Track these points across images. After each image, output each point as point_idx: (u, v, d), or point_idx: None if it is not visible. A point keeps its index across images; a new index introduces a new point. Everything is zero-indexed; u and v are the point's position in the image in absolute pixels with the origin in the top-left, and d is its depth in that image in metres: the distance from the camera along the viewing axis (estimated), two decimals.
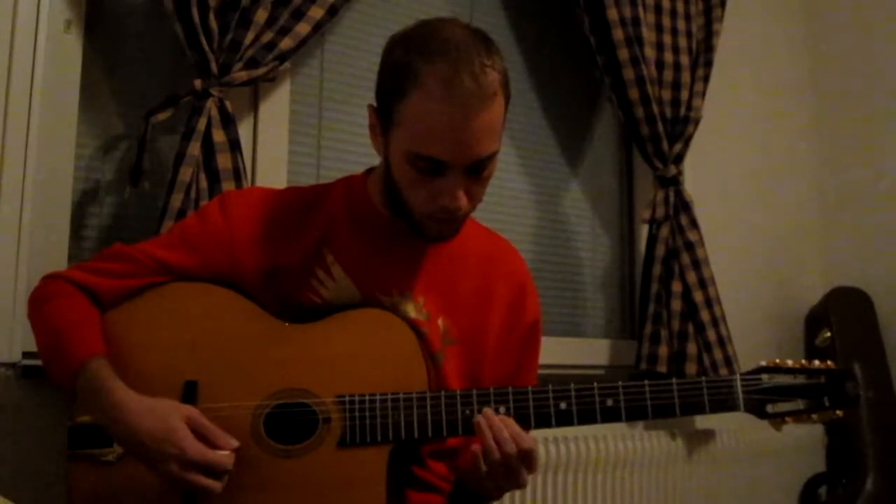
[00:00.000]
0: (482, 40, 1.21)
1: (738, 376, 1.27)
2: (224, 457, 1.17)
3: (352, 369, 1.26)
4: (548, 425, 1.24)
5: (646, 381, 1.25)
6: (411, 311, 1.33)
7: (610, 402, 1.23)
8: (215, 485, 1.16)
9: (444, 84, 1.15)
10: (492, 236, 1.48)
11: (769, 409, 1.26)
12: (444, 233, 1.31)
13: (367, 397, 1.23)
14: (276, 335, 1.28)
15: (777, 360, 1.29)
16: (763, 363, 1.29)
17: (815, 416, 1.27)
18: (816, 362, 1.29)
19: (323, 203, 1.37)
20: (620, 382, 1.25)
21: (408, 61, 1.19)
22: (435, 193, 1.22)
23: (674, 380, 1.25)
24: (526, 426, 1.23)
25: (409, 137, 1.20)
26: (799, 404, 1.27)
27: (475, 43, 1.20)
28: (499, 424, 1.19)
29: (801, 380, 1.27)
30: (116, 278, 1.31)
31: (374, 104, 1.28)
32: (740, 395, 1.26)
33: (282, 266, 1.33)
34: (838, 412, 1.27)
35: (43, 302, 1.31)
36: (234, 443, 1.19)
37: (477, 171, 1.23)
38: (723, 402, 1.26)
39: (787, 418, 1.27)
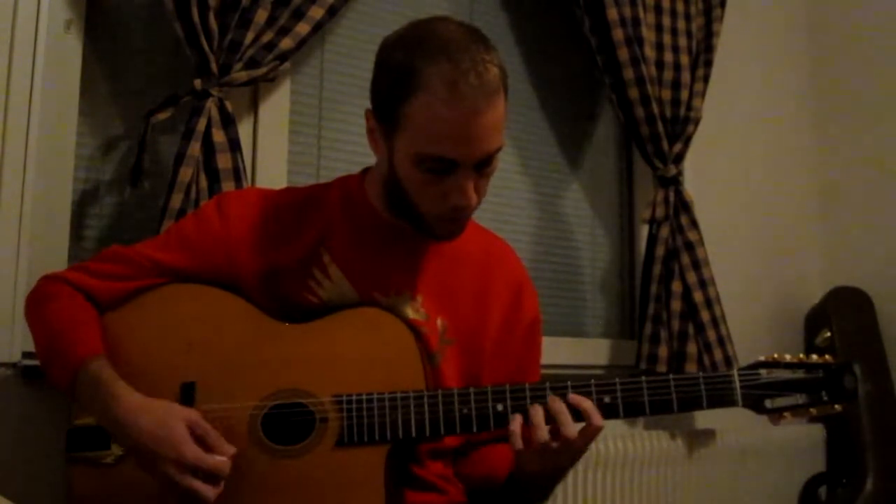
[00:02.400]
0: (479, 37, 1.22)
1: (735, 371, 1.27)
2: (221, 462, 1.16)
3: (349, 369, 1.26)
4: (546, 422, 1.24)
5: (643, 377, 1.25)
6: (409, 310, 1.33)
7: (607, 399, 1.23)
8: (209, 491, 1.15)
9: (450, 84, 1.16)
10: (489, 236, 1.48)
11: (767, 404, 1.26)
12: (455, 231, 1.31)
13: (364, 397, 1.23)
14: (273, 336, 1.28)
15: (775, 355, 1.28)
16: (761, 358, 1.29)
17: (813, 411, 1.26)
18: (815, 357, 1.29)
19: (320, 203, 1.37)
20: (618, 378, 1.25)
21: (409, 64, 1.19)
22: (445, 193, 1.23)
23: (671, 375, 1.25)
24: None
25: (416, 140, 1.20)
26: (797, 399, 1.26)
27: (474, 40, 1.20)
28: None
29: (799, 374, 1.27)
30: (113, 280, 1.31)
31: (371, 109, 1.28)
32: (738, 390, 1.26)
33: (279, 266, 1.33)
34: (837, 406, 1.26)
35: (41, 303, 1.31)
36: (232, 449, 1.18)
37: (484, 166, 1.23)
38: (721, 398, 1.26)
39: (785, 413, 1.26)
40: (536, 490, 1.33)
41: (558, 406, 1.21)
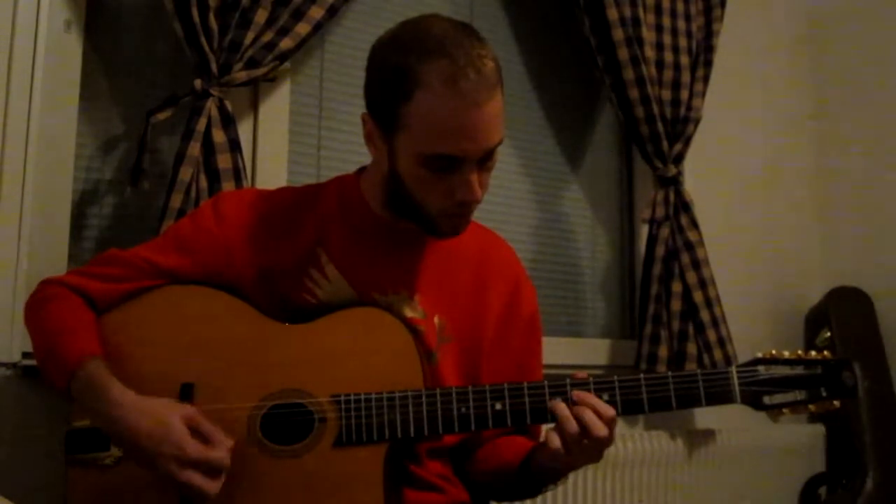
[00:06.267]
0: (471, 31, 1.22)
1: (734, 368, 1.26)
2: (221, 456, 1.17)
3: (347, 368, 1.26)
4: (544, 421, 1.24)
5: (641, 375, 1.25)
6: (407, 309, 1.33)
7: (606, 397, 1.23)
8: (211, 485, 1.15)
9: (449, 81, 1.16)
10: (485, 233, 1.48)
11: (766, 400, 1.25)
12: (460, 226, 1.31)
13: (362, 396, 1.23)
14: (271, 336, 1.28)
15: (773, 352, 1.28)
16: (759, 355, 1.28)
17: (812, 407, 1.26)
18: (813, 353, 1.28)
19: (316, 203, 1.37)
20: (616, 377, 1.25)
21: (405, 64, 1.18)
22: (451, 190, 1.23)
23: (669, 373, 1.25)
24: (522, 423, 1.24)
25: (419, 140, 1.20)
26: (796, 395, 1.25)
27: (467, 35, 1.20)
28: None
29: (798, 371, 1.26)
30: (111, 282, 1.31)
31: (368, 112, 1.27)
32: (736, 387, 1.25)
33: (276, 266, 1.33)
34: (836, 402, 1.26)
35: (39, 306, 1.31)
36: (230, 441, 1.18)
37: (486, 160, 1.24)
38: (719, 395, 1.25)
39: (784, 409, 1.25)
40: (548, 480, 1.32)
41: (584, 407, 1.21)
